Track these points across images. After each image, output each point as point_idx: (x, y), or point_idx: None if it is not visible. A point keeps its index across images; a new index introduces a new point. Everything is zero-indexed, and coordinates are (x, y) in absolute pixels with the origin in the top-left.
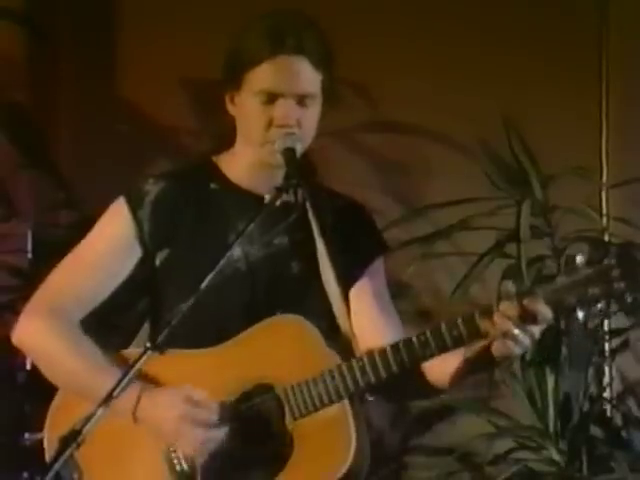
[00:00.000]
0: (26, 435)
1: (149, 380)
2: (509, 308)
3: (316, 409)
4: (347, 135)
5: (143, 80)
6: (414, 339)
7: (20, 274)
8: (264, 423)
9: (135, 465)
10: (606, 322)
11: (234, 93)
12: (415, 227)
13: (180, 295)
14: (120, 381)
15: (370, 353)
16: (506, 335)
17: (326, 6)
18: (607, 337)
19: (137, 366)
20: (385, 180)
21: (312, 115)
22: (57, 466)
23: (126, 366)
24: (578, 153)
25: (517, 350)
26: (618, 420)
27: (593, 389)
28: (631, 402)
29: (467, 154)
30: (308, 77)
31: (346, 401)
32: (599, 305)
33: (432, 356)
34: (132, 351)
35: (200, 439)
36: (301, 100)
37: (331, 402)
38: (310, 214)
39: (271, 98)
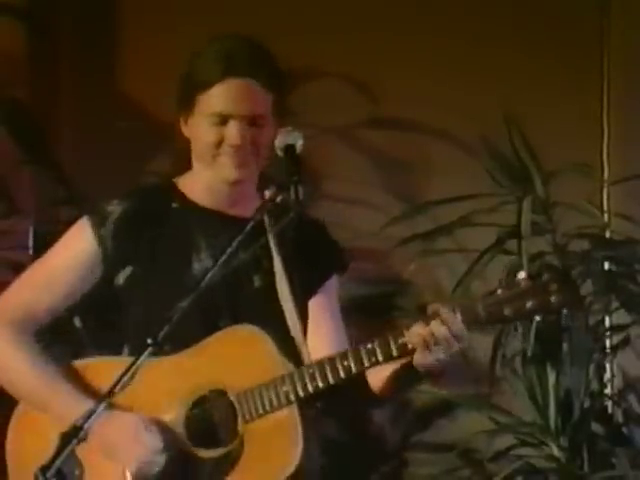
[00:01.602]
0: None
1: (100, 389)
2: (422, 327)
3: (266, 412)
4: (348, 132)
5: (144, 76)
6: (361, 348)
7: (21, 270)
8: (216, 426)
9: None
10: (607, 319)
11: (187, 115)
12: (416, 223)
13: (143, 311)
14: (121, 377)
15: (319, 361)
16: (423, 345)
17: (327, 3)
18: (608, 333)
19: (137, 364)
20: (386, 177)
21: (266, 135)
22: (59, 462)
23: (78, 379)
24: (579, 149)
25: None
26: (619, 416)
27: (594, 385)
28: (632, 398)
29: (468, 151)
30: (258, 98)
31: (295, 406)
32: (537, 318)
33: (378, 364)
34: (83, 362)
35: (148, 461)
36: (253, 121)
37: (281, 406)
38: (268, 229)
39: (222, 120)
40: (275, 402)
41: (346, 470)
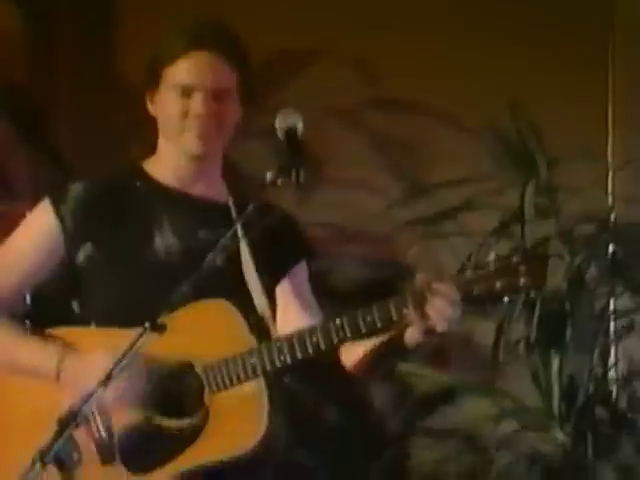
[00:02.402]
0: None
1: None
2: (422, 292)
3: (233, 385)
4: (349, 114)
5: (141, 61)
6: (330, 323)
7: None
8: (182, 396)
9: (46, 424)
10: (612, 303)
11: (153, 92)
12: (419, 207)
13: (104, 289)
14: (120, 361)
15: (288, 336)
16: (420, 317)
17: None
18: (613, 318)
19: (135, 345)
20: (388, 159)
21: (230, 111)
22: (57, 447)
23: (48, 338)
24: (584, 133)
25: (428, 333)
26: (623, 402)
27: (598, 370)
28: (637, 384)
29: (472, 133)
30: (223, 72)
31: (262, 381)
32: (505, 298)
33: (346, 340)
34: (52, 330)
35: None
36: (217, 95)
37: (247, 379)
38: (234, 214)
39: (187, 92)
40: (242, 375)
41: (349, 456)
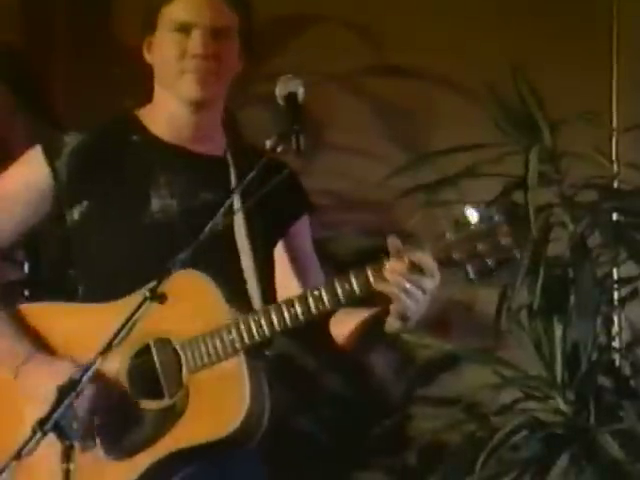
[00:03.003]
0: None
1: (50, 329)
2: (397, 263)
3: (212, 362)
4: (350, 79)
5: (139, 24)
6: (308, 294)
7: None
8: (160, 376)
9: (22, 408)
10: (615, 271)
11: (150, 38)
12: (420, 174)
13: (98, 247)
14: (119, 331)
15: (266, 308)
16: (398, 290)
17: None
18: (616, 286)
19: (136, 316)
20: (389, 126)
21: (230, 52)
22: (56, 415)
23: (22, 322)
24: (587, 97)
25: (412, 305)
26: (627, 369)
27: (602, 338)
28: None
29: (473, 99)
30: (222, 10)
31: (243, 356)
32: (488, 261)
33: (326, 310)
34: (30, 306)
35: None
36: (216, 34)
37: (227, 356)
38: (231, 169)
39: (185, 29)
40: (221, 351)
41: (349, 423)
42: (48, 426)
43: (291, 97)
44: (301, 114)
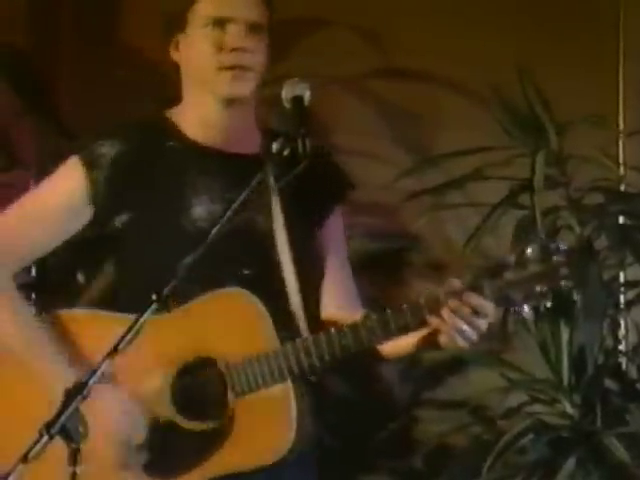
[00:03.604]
0: None
1: (93, 340)
2: (456, 304)
3: (258, 388)
4: (357, 83)
5: (144, 26)
6: (360, 325)
7: None
8: (205, 397)
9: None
10: (622, 274)
11: (179, 37)
12: (426, 177)
13: (141, 257)
14: (125, 334)
15: (316, 337)
16: (454, 330)
17: None
18: (622, 289)
19: (141, 320)
20: (396, 129)
21: (262, 48)
22: (63, 419)
23: (59, 330)
24: (594, 100)
25: (463, 343)
26: (633, 373)
27: (608, 342)
28: None
29: (480, 102)
30: (256, 6)
31: (289, 383)
32: (547, 302)
33: (377, 342)
34: (69, 313)
35: (118, 456)
36: (251, 29)
37: (274, 383)
38: (268, 167)
39: (220, 24)
40: (268, 378)
41: (355, 427)
42: (55, 429)
43: (297, 100)
44: (307, 117)
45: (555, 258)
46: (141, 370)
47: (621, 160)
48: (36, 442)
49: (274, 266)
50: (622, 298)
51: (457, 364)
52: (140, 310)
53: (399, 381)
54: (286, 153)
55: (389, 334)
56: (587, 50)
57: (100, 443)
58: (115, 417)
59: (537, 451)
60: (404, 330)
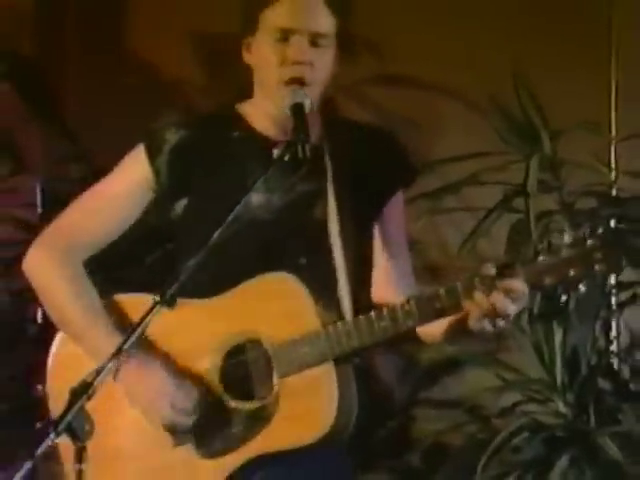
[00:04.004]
0: (38, 387)
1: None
2: (490, 290)
3: (302, 369)
4: (358, 90)
5: (150, 33)
6: (398, 309)
7: (30, 228)
8: (252, 377)
9: (126, 405)
10: (614, 276)
11: (250, 40)
12: (424, 182)
13: (199, 243)
14: (129, 336)
15: (356, 320)
16: (484, 313)
17: None
18: (615, 291)
19: (146, 320)
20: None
21: (326, 58)
22: (69, 417)
23: (121, 314)
24: (587, 107)
25: (492, 328)
26: (626, 373)
27: (601, 342)
28: (639, 355)
29: (476, 109)
30: (322, 16)
31: (332, 364)
32: (581, 286)
33: (414, 325)
34: (126, 296)
35: (171, 421)
36: (314, 40)
37: (317, 363)
38: (326, 158)
39: (285, 35)
40: (311, 359)
41: (355, 426)
42: (61, 427)
43: (297, 107)
44: (306, 124)
45: (589, 242)
46: (192, 350)
47: (613, 165)
48: (44, 440)
49: (326, 254)
50: (614, 300)
51: (453, 364)
52: (197, 294)
53: (398, 381)
54: (287, 158)
55: (426, 317)
56: (580, 59)
57: (149, 410)
58: (159, 382)
59: (531, 449)
60: (440, 313)
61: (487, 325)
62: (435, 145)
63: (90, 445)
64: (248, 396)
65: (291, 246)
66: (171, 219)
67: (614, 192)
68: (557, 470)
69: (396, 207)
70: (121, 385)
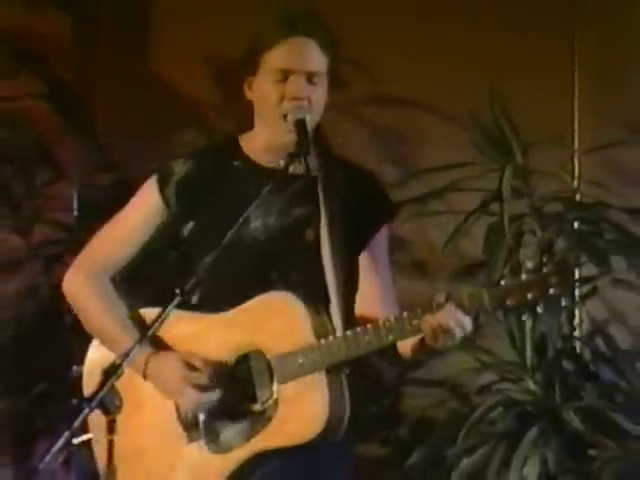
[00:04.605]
0: (73, 368)
1: (162, 336)
2: (436, 317)
3: (298, 376)
4: (350, 108)
5: (173, 59)
6: (381, 325)
7: (67, 229)
8: (256, 384)
9: (150, 402)
10: (577, 271)
11: (251, 79)
12: (411, 189)
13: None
14: (154, 323)
15: (345, 335)
16: (438, 336)
17: None
18: (578, 284)
19: (167, 311)
20: (384, 147)
21: (320, 93)
22: (102, 394)
23: (144, 324)
24: (553, 122)
25: (443, 346)
26: (587, 355)
27: (565, 329)
28: (598, 340)
29: (456, 124)
30: (316, 57)
31: (324, 372)
32: (538, 308)
33: (394, 340)
34: (150, 310)
35: (195, 399)
36: (310, 78)
37: (311, 372)
38: (320, 187)
39: (284, 76)
40: (306, 369)
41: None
42: (94, 403)
43: (300, 123)
44: (308, 138)
45: (545, 269)
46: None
47: (576, 174)
48: (79, 414)
49: (319, 274)
50: (577, 292)
51: None
52: (209, 309)
53: (388, 363)
54: (290, 170)
55: (404, 334)
56: (548, 82)
57: (178, 397)
58: (175, 371)
59: (505, 422)
60: (415, 331)
61: (439, 344)
62: (421, 156)
63: (116, 441)
64: (252, 399)
65: (281, 265)
66: (181, 238)
67: (578, 198)
68: (527, 440)
69: (382, 240)
70: (151, 382)
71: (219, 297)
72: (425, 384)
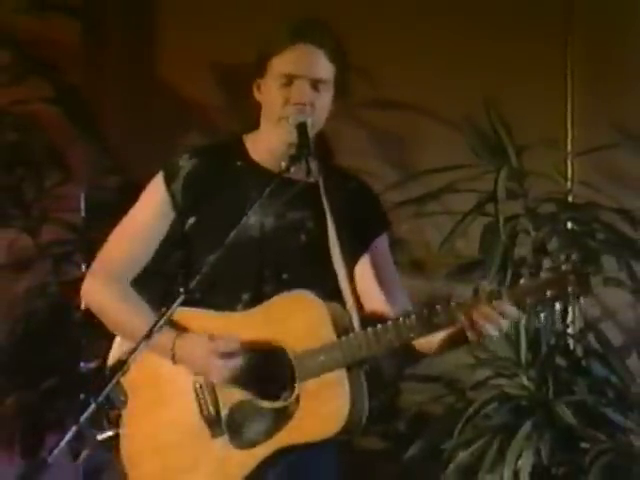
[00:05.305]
0: (82, 364)
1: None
2: (486, 309)
3: (319, 374)
4: (351, 112)
5: (178, 64)
6: (401, 322)
7: (75, 230)
8: (278, 381)
9: (170, 399)
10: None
11: (260, 81)
12: (409, 190)
13: (203, 256)
14: (158, 320)
15: (365, 333)
16: (482, 329)
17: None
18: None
19: (174, 307)
20: (384, 150)
21: (324, 101)
22: (108, 389)
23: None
24: (547, 126)
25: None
26: (579, 352)
27: (559, 326)
28: (590, 337)
29: (453, 127)
30: (323, 65)
31: (344, 369)
32: (557, 305)
33: (415, 338)
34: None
35: (223, 367)
36: (315, 85)
37: (332, 369)
38: (322, 192)
39: (289, 80)
40: (326, 366)
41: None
42: (101, 398)
43: (301, 126)
44: (309, 141)
45: (563, 267)
46: None
47: (569, 176)
48: (86, 409)
49: (333, 275)
50: (570, 290)
51: None
52: (208, 305)
53: (387, 359)
54: (292, 171)
55: (425, 330)
56: (542, 86)
57: (207, 372)
58: (201, 345)
59: (500, 417)
60: (437, 327)
61: (489, 331)
62: (418, 158)
63: (139, 435)
64: (274, 396)
65: (275, 264)
66: (183, 233)
67: (570, 199)
68: (521, 434)
69: (383, 245)
70: (180, 364)
71: (214, 292)
72: (422, 380)
